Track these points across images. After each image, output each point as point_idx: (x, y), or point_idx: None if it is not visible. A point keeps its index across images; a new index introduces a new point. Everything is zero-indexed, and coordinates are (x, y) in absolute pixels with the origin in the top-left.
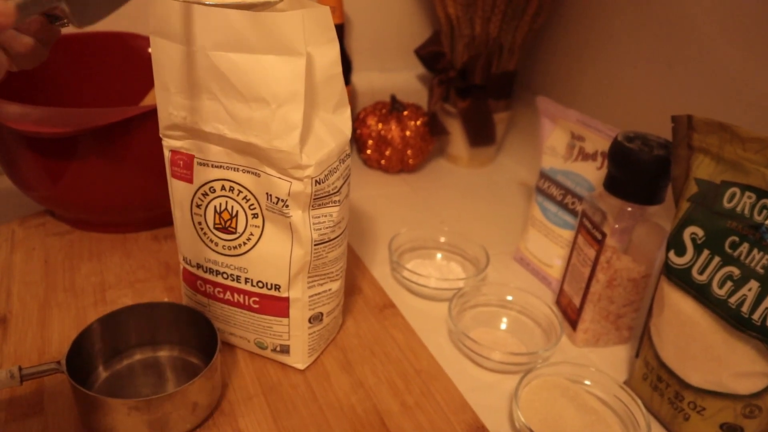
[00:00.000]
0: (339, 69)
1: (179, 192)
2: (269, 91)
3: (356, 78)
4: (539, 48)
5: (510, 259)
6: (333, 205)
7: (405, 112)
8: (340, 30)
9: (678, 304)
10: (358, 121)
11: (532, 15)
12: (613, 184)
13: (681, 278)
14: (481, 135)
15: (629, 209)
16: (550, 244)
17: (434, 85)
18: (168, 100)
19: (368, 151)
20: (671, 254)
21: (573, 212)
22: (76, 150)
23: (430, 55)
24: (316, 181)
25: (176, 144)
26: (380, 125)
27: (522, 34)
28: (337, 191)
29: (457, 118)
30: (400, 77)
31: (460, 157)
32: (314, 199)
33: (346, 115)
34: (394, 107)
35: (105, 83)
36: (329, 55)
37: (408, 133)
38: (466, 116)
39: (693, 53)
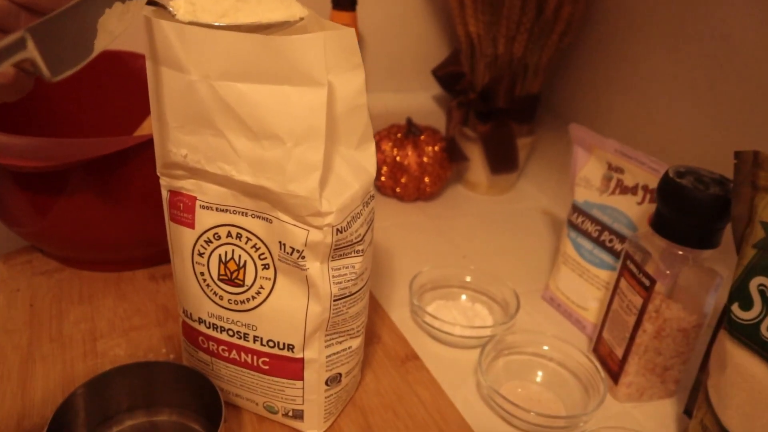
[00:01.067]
0: (364, 99)
1: (179, 238)
2: (284, 127)
3: (370, 99)
4: (564, 68)
5: (538, 297)
6: (355, 255)
7: (422, 137)
8: None
9: (744, 364)
10: None
11: (559, 34)
12: (662, 225)
13: (747, 335)
14: (504, 162)
15: (680, 253)
16: (585, 285)
17: (453, 107)
18: (166, 136)
19: (382, 178)
20: (735, 308)
21: (611, 251)
22: (66, 184)
23: (448, 76)
24: (337, 229)
25: (176, 184)
26: (396, 151)
27: (548, 54)
28: (361, 239)
29: (476, 143)
30: (416, 98)
31: (479, 183)
32: (335, 249)
33: (371, 150)
34: (410, 131)
35: (102, 106)
36: (354, 83)
37: (425, 159)
38: (487, 142)
39: (737, 74)
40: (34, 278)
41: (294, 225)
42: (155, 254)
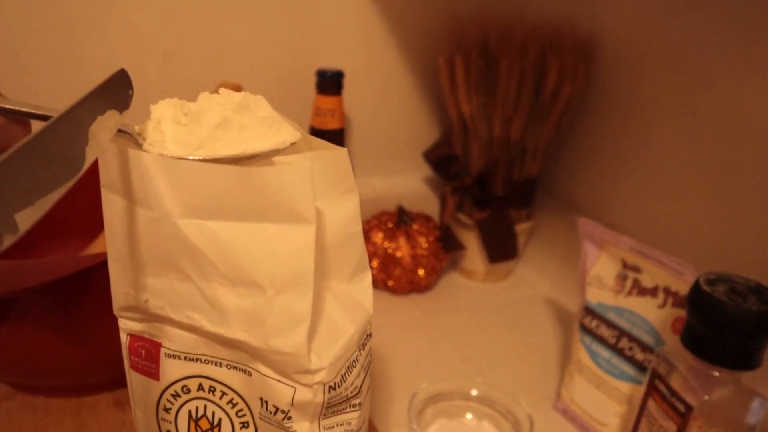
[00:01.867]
0: (358, 226)
1: (141, 389)
2: (264, 272)
3: (358, 184)
4: (562, 147)
5: (549, 407)
6: (351, 410)
7: (414, 226)
8: (341, 135)
9: None
10: None
11: (559, 114)
12: (695, 342)
13: None
14: (503, 250)
15: (716, 374)
16: (604, 398)
17: (447, 194)
18: (123, 276)
19: (374, 272)
20: None
21: (631, 360)
22: (13, 307)
23: (441, 160)
24: (329, 387)
25: (136, 328)
26: (387, 243)
27: (547, 136)
28: (357, 392)
29: (472, 230)
30: (407, 181)
31: (475, 271)
32: (327, 407)
33: (367, 281)
34: (401, 220)
35: (65, 206)
36: (346, 209)
37: (419, 251)
38: (484, 230)
39: (758, 160)
40: None
41: (278, 381)
42: (121, 376)
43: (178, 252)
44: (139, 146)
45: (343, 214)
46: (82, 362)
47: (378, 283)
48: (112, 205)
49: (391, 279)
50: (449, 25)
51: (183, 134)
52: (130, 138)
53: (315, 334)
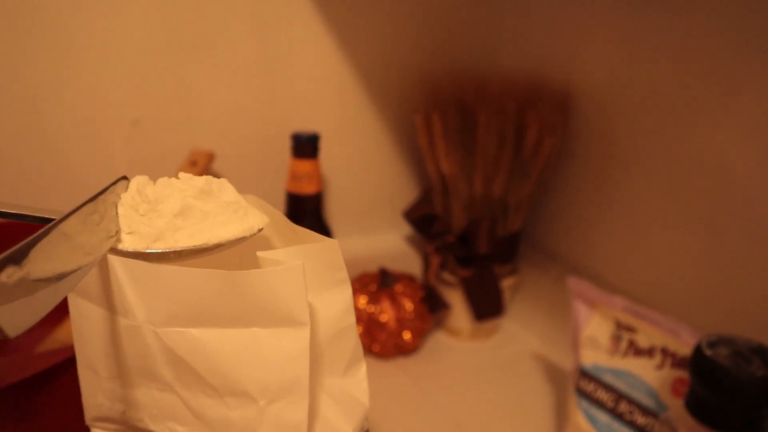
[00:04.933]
0: (352, 319)
1: None
2: (254, 381)
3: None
4: (543, 200)
5: None
6: None
7: (398, 287)
8: (318, 199)
9: None
10: None
11: (540, 168)
12: (700, 408)
13: None
14: (489, 308)
15: None
16: None
17: (430, 253)
18: (95, 385)
19: None
20: None
21: (632, 425)
22: None
23: (422, 219)
24: None
25: None
26: (372, 307)
27: (529, 191)
28: None
29: (456, 288)
30: (387, 240)
31: (461, 329)
32: None
33: (362, 373)
34: (384, 282)
35: None
36: (339, 302)
37: (404, 313)
38: (470, 289)
39: (740, 210)
40: None
41: None
42: None
43: (158, 361)
44: None
45: (336, 307)
46: None
47: (362, 349)
48: (79, 310)
49: (376, 343)
50: (424, 83)
51: (139, 225)
52: None
53: None
